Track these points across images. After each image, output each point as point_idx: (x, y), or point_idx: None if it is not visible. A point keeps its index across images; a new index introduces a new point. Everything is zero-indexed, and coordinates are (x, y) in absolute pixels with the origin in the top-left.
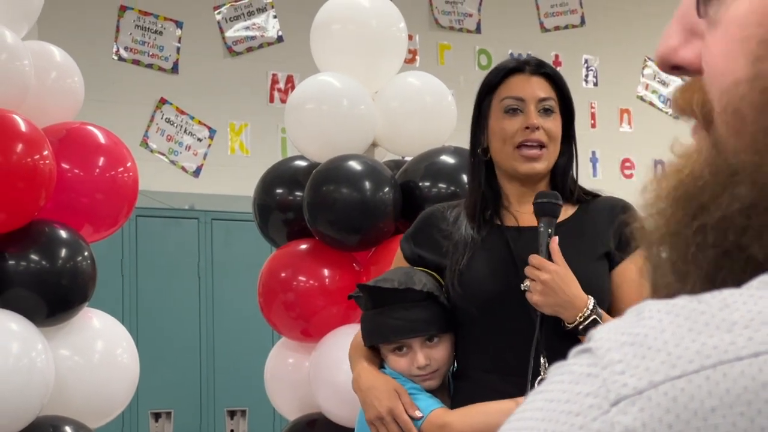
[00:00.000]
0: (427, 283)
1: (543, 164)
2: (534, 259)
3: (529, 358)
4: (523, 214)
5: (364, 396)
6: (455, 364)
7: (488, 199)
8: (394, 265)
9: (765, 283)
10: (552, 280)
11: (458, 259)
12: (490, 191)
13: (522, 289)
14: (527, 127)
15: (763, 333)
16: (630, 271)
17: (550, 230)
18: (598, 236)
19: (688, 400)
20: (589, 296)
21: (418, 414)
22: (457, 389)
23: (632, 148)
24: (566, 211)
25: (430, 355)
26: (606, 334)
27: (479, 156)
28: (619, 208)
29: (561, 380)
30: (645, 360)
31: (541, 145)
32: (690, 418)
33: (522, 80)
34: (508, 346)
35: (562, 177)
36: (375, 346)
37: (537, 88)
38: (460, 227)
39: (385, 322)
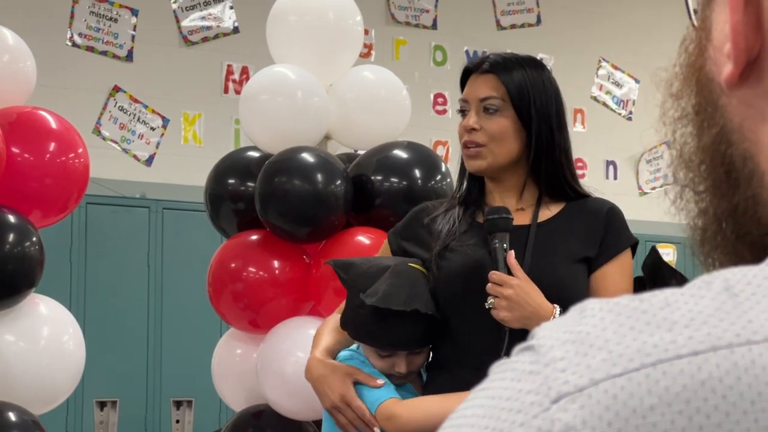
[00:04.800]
0: (428, 302)
1: (482, 162)
2: (495, 275)
3: (501, 355)
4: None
5: (315, 386)
6: (429, 356)
7: (472, 198)
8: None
9: (706, 282)
10: (516, 294)
11: (435, 254)
12: (476, 190)
13: (487, 307)
14: (466, 129)
15: (702, 332)
16: (609, 275)
17: (505, 245)
18: (580, 240)
19: (628, 398)
20: (555, 305)
21: (380, 382)
22: (430, 380)
23: (585, 149)
24: (550, 210)
25: (412, 362)
26: (548, 332)
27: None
28: (604, 212)
29: (503, 377)
30: (586, 358)
31: (481, 145)
32: (629, 415)
33: (471, 81)
34: (482, 342)
35: (543, 173)
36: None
37: (480, 88)
38: (443, 224)
39: (381, 330)
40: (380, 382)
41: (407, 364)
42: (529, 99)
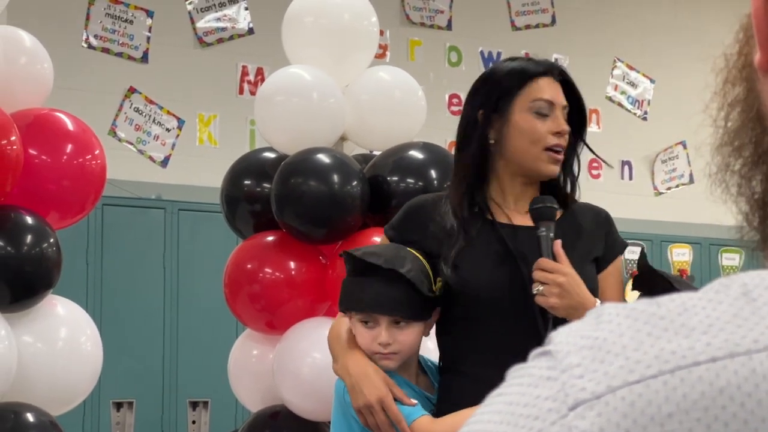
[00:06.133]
0: (413, 269)
1: (559, 167)
2: (545, 262)
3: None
4: (515, 213)
5: (354, 382)
6: (441, 359)
7: (477, 193)
8: None
9: (724, 286)
10: (568, 283)
11: (453, 250)
12: (478, 186)
13: (534, 293)
14: (558, 132)
15: (720, 339)
16: (611, 277)
17: (551, 234)
18: (589, 240)
19: (646, 405)
20: (597, 298)
21: (413, 401)
22: (447, 384)
23: (600, 149)
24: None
25: (395, 336)
26: (565, 338)
27: (483, 149)
28: (604, 216)
29: (520, 383)
30: (603, 364)
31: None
32: (647, 423)
33: (550, 84)
34: (508, 342)
35: (563, 181)
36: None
37: (561, 95)
38: (450, 217)
39: (360, 292)
40: (413, 401)
41: (389, 336)
42: (584, 114)
